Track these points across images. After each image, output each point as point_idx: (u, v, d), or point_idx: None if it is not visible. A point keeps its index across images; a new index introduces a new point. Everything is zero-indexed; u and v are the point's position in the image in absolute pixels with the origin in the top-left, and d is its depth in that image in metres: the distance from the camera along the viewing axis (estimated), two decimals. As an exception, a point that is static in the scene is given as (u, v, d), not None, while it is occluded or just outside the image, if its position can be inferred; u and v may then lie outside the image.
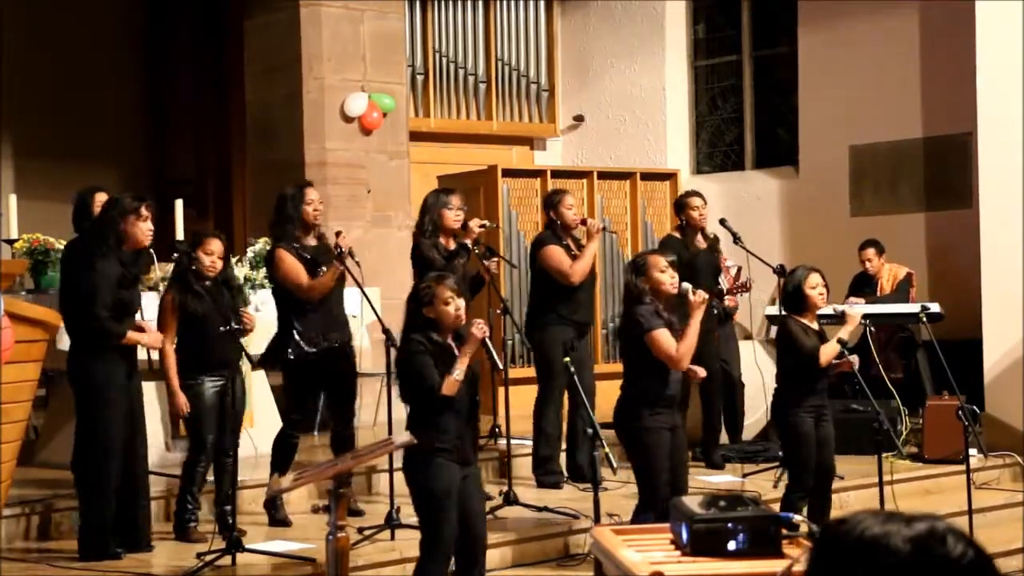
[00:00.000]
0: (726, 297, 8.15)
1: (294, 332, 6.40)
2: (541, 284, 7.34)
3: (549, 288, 7.24)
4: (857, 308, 6.22)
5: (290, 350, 6.40)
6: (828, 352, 6.06)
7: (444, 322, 4.94)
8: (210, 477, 6.17)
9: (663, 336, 5.58)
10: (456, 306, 4.92)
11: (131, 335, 5.70)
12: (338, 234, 6.42)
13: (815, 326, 6.19)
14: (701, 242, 7.88)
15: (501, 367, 5.26)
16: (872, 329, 8.96)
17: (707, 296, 5.65)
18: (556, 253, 7.21)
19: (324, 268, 6.40)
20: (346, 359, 6.53)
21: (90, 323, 5.64)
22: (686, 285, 5.67)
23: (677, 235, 7.94)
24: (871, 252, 9.27)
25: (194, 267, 6.00)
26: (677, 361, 5.58)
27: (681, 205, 7.96)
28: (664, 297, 5.67)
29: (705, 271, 7.71)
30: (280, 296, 6.53)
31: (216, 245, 6.04)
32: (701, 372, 5.81)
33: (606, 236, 10.12)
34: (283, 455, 6.42)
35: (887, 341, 9.16)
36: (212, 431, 6.01)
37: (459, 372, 4.87)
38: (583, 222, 7.25)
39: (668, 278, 5.64)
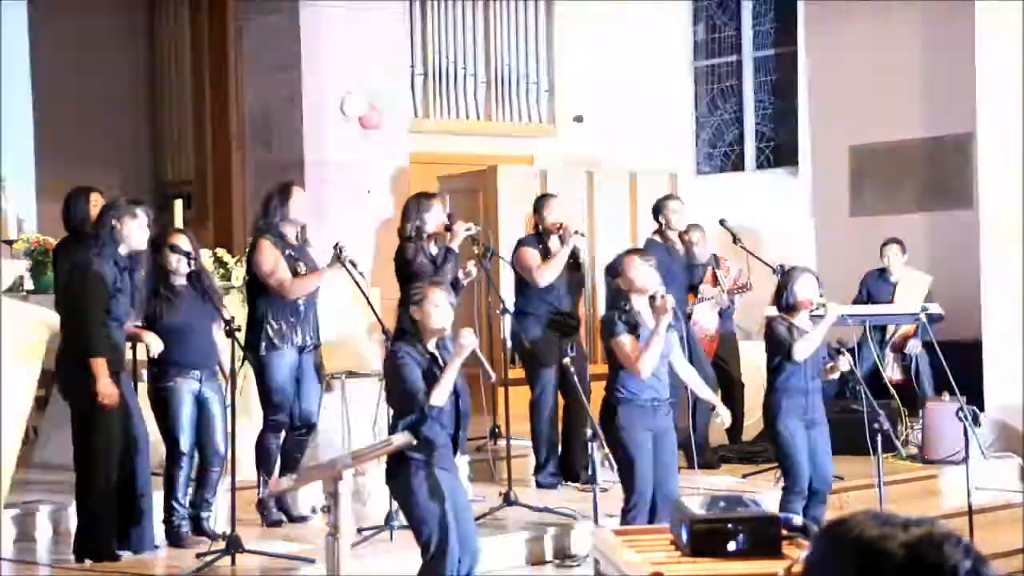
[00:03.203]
0: (709, 295, 8.13)
1: (267, 328, 6.32)
2: (520, 286, 7.40)
3: (527, 290, 7.29)
4: (836, 305, 6.17)
5: (263, 345, 6.32)
6: (802, 348, 6.03)
7: (428, 325, 4.92)
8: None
9: (624, 343, 5.58)
10: (445, 314, 4.92)
11: (99, 368, 5.51)
12: (338, 245, 6.35)
13: (807, 327, 6.14)
14: (679, 246, 7.86)
15: (493, 378, 5.23)
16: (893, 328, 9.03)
17: (674, 303, 5.60)
18: (527, 254, 7.27)
19: (303, 266, 6.37)
20: (315, 360, 6.49)
21: (81, 327, 5.59)
22: (659, 288, 5.62)
23: (656, 238, 7.92)
24: (896, 248, 9.23)
25: (189, 266, 5.93)
26: (637, 369, 5.55)
27: (659, 208, 7.95)
28: (642, 296, 5.64)
29: (681, 275, 7.70)
30: (254, 290, 6.43)
31: (183, 240, 5.97)
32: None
33: (606, 238, 10.14)
34: (267, 457, 6.38)
35: (904, 341, 9.16)
36: (187, 435, 5.94)
37: (448, 382, 4.86)
38: (559, 227, 7.26)
39: (642, 275, 5.63)
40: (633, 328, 5.61)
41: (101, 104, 11.04)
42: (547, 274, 7.20)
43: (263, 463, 6.39)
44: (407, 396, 4.91)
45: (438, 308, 4.91)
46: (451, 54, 11.37)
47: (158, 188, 10.82)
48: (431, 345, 4.96)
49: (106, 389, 5.53)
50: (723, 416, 6.00)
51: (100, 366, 5.53)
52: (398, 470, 4.94)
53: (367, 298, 6.29)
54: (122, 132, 11.31)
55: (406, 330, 5.02)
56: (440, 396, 4.86)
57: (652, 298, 5.64)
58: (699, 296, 8.18)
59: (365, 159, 9.48)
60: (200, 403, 5.98)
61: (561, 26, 11.94)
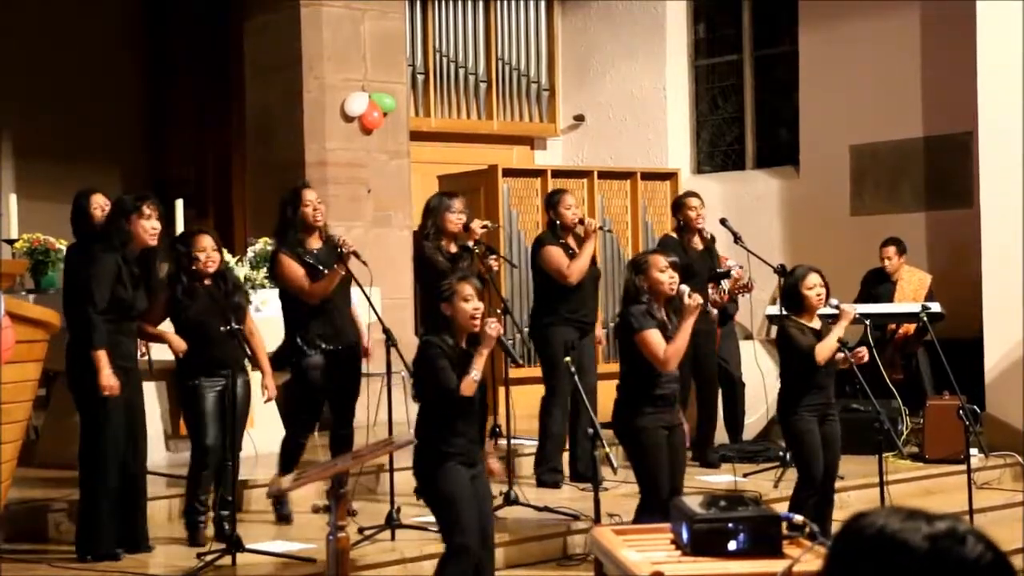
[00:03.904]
0: (712, 294, 8.12)
1: (297, 338, 6.44)
2: (542, 285, 7.37)
3: (550, 288, 7.26)
4: (851, 305, 6.20)
5: (293, 351, 6.45)
6: (825, 349, 6.05)
7: (460, 320, 4.94)
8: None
9: (652, 336, 5.57)
10: (474, 306, 4.93)
11: (101, 361, 5.56)
12: (339, 240, 6.43)
13: (815, 325, 6.18)
14: (698, 243, 7.87)
15: (521, 363, 5.26)
16: (894, 327, 9.05)
17: (702, 300, 5.62)
18: (555, 253, 7.23)
19: (326, 271, 6.42)
20: (351, 361, 6.55)
21: (82, 322, 5.63)
22: (683, 287, 5.65)
23: (675, 235, 7.94)
24: (892, 250, 9.24)
25: (193, 267, 5.96)
26: (664, 362, 5.56)
27: (678, 205, 7.98)
28: (663, 297, 5.66)
29: (702, 273, 7.70)
30: (285, 301, 6.58)
31: (207, 241, 6.00)
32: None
33: (606, 236, 10.13)
34: (290, 457, 6.47)
35: (905, 341, 9.16)
36: (214, 434, 5.95)
37: (476, 372, 4.88)
38: (580, 222, 7.26)
39: (667, 278, 5.62)
40: (661, 324, 5.62)
41: (102, 103, 11.05)
42: (577, 273, 7.18)
43: (285, 462, 6.44)
44: (438, 387, 4.91)
45: (468, 302, 4.93)
46: (452, 53, 11.39)
47: (158, 187, 10.81)
48: (464, 340, 4.97)
49: (107, 381, 5.57)
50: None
51: (101, 358, 5.57)
52: (424, 463, 4.97)
53: (367, 297, 6.29)
54: (122, 132, 11.32)
55: (435, 324, 5.05)
56: (469, 386, 4.87)
57: (673, 298, 5.65)
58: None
59: (366, 159, 9.48)
60: (224, 400, 5.97)
61: (562, 25, 11.97)
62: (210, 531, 6.01)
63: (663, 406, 5.65)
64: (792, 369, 6.19)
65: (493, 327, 4.91)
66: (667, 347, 5.55)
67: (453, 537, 4.93)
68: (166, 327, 6.06)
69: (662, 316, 5.67)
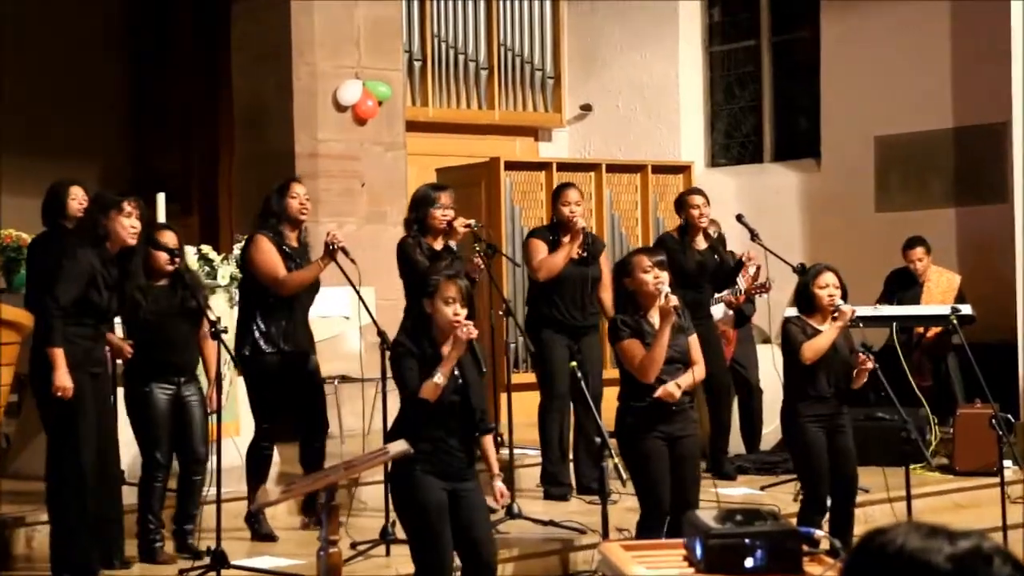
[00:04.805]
0: (722, 295, 8.09)
1: (254, 329, 6.35)
2: (530, 283, 7.39)
3: (536, 287, 7.27)
4: (849, 305, 6.13)
5: (247, 348, 6.34)
6: (810, 348, 6.00)
7: (438, 321, 4.93)
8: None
9: (627, 348, 5.58)
10: (454, 310, 4.90)
11: (57, 359, 5.48)
12: (329, 234, 6.39)
13: (826, 327, 6.09)
14: (702, 243, 7.83)
15: (484, 370, 5.21)
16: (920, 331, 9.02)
17: (676, 303, 5.56)
18: (533, 246, 7.24)
19: (303, 263, 6.38)
20: (305, 366, 6.47)
21: (41, 317, 5.58)
22: (664, 289, 5.59)
23: (674, 234, 7.91)
24: (921, 251, 9.18)
25: (152, 265, 5.91)
26: (640, 372, 5.56)
27: (681, 203, 7.93)
28: (652, 299, 5.62)
29: (702, 274, 7.67)
30: (246, 289, 6.48)
31: (169, 237, 5.98)
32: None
33: (615, 234, 10.13)
34: (257, 467, 6.38)
35: (933, 345, 9.14)
36: (164, 443, 5.92)
37: (440, 376, 4.84)
38: (571, 221, 7.21)
39: (652, 278, 5.59)
40: (639, 331, 5.60)
41: (86, 95, 11.05)
42: (545, 269, 7.15)
43: (254, 473, 6.39)
44: (402, 389, 4.94)
45: (448, 305, 4.90)
46: (451, 39, 11.38)
47: (143, 181, 10.81)
48: (444, 340, 4.92)
49: (61, 381, 5.49)
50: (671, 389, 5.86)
51: (57, 357, 5.50)
52: (393, 471, 4.99)
53: (360, 297, 6.27)
54: (107, 125, 11.32)
55: (415, 321, 5.04)
56: (430, 390, 4.84)
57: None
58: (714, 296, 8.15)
59: (359, 150, 9.47)
60: (178, 408, 5.95)
61: (568, 9, 11.95)
62: (168, 547, 5.99)
63: (657, 416, 5.61)
64: (792, 374, 6.16)
65: (464, 331, 4.87)
66: (642, 357, 5.54)
67: (423, 556, 4.88)
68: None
69: (641, 322, 5.63)
